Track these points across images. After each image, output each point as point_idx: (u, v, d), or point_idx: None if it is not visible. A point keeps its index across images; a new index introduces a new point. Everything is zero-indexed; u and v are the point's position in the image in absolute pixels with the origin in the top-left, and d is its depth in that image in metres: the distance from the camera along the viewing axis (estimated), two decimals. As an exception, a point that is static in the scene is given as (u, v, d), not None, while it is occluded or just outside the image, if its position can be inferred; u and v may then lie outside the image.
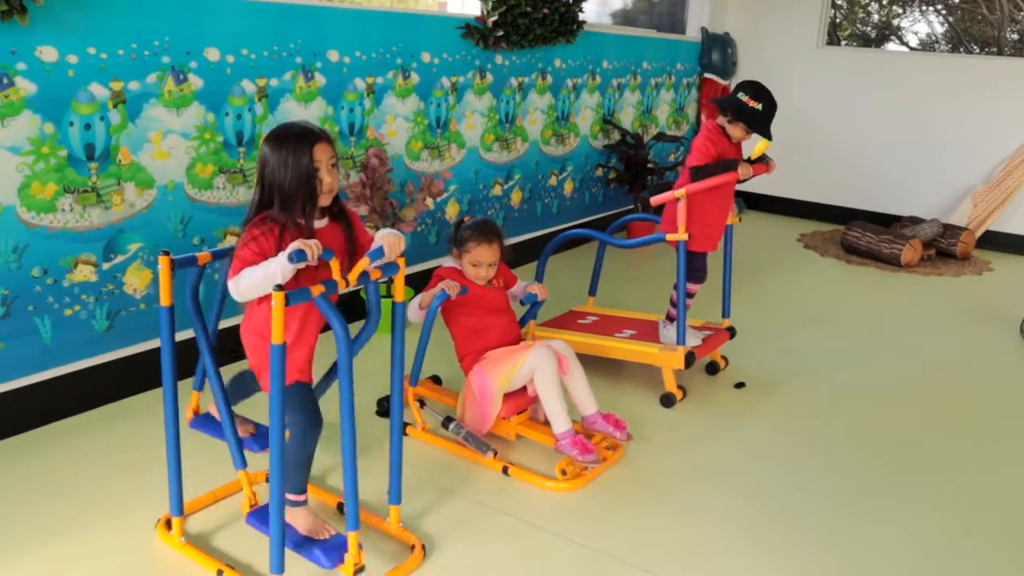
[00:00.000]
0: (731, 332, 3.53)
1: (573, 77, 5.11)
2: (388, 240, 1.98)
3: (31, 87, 2.56)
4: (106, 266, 2.88)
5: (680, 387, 3.26)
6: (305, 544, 2.11)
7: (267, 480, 2.44)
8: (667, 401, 3.21)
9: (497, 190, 4.67)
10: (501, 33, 4.26)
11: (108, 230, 2.86)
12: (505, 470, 2.67)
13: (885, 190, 6.37)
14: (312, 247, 1.85)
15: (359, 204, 3.62)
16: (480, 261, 2.75)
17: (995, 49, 9.99)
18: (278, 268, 1.86)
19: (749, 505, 2.54)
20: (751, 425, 3.10)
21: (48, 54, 2.59)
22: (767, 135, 3.18)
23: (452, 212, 4.38)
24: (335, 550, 2.09)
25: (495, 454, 2.72)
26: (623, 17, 6.41)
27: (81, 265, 2.81)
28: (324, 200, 2.02)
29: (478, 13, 4.27)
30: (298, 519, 2.14)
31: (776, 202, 6.88)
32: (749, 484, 2.67)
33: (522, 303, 3.00)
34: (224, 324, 2.44)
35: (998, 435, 3.10)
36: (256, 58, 3.21)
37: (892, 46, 9.51)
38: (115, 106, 2.79)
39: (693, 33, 6.54)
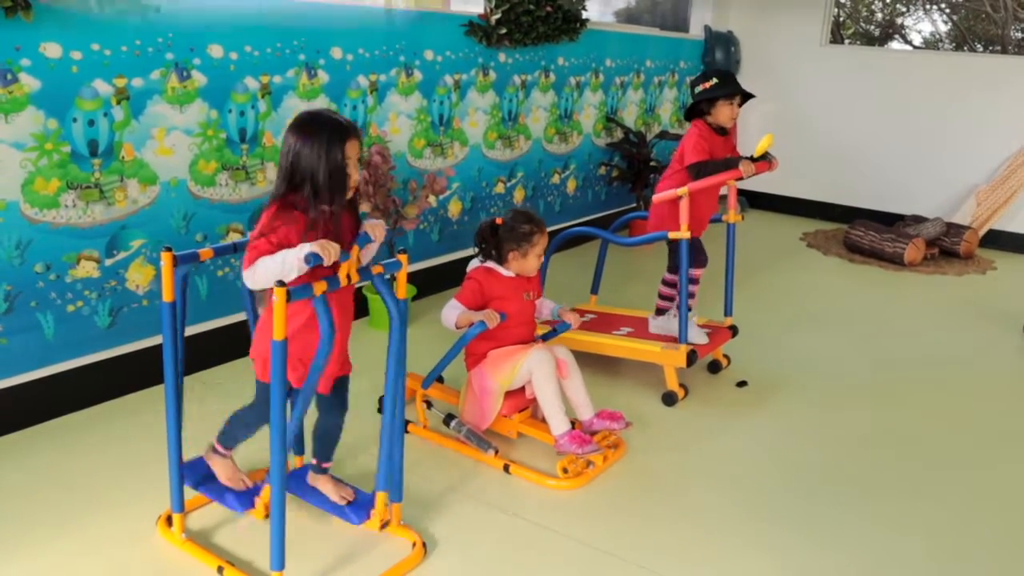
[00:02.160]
0: (733, 331, 3.53)
1: (576, 75, 5.10)
2: (370, 225, 2.01)
3: (35, 83, 2.57)
4: (108, 262, 2.88)
5: (682, 385, 3.26)
6: (220, 490, 2.28)
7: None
8: (669, 399, 3.21)
9: (500, 188, 4.67)
10: (504, 31, 4.26)
11: (111, 226, 2.86)
12: (506, 468, 2.67)
13: (889, 189, 6.37)
14: (330, 251, 1.84)
15: (362, 201, 3.63)
16: (544, 249, 2.76)
17: (999, 47, 9.98)
18: (293, 263, 1.84)
19: (753, 503, 2.54)
20: (754, 423, 3.10)
21: (52, 50, 2.59)
22: (743, 92, 3.27)
23: (455, 210, 4.39)
24: (247, 497, 2.24)
25: (496, 452, 2.72)
26: (626, 16, 6.39)
27: (84, 261, 2.81)
28: (349, 194, 2.00)
29: (481, 11, 4.27)
30: (219, 468, 2.30)
31: (779, 200, 6.88)
32: (752, 483, 2.67)
33: (554, 329, 2.95)
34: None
35: (1000, 433, 3.09)
36: (259, 55, 3.21)
37: (896, 44, 9.50)
38: (118, 103, 2.80)
39: (696, 32, 6.53)
